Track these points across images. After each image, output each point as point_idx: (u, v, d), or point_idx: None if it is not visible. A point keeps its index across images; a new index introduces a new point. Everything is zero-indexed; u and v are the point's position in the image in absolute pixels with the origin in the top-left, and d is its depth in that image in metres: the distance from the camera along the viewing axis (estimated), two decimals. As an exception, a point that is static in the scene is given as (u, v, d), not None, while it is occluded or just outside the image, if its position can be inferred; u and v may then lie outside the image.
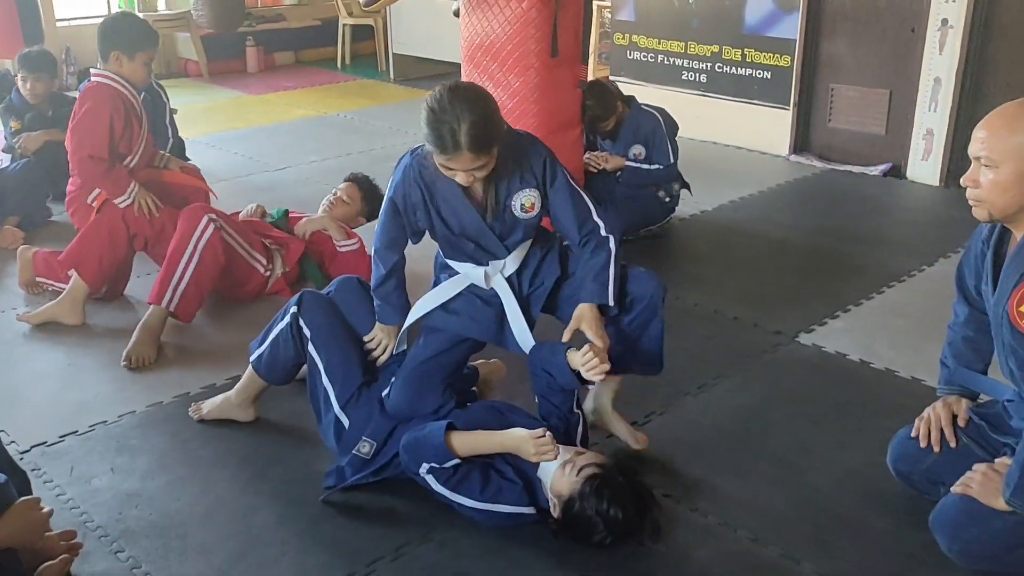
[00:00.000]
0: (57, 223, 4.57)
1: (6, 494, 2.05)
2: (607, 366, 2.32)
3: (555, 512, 2.25)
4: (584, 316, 2.45)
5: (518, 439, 2.28)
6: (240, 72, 8.65)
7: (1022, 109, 2.07)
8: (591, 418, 2.65)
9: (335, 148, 5.97)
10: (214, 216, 3.39)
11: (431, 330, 2.56)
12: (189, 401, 2.92)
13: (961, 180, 2.17)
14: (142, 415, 2.87)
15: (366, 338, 2.64)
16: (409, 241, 2.58)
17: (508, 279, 2.52)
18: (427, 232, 2.55)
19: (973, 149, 2.12)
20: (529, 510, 2.29)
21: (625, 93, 4.43)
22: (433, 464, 2.29)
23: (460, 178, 2.31)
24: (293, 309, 2.63)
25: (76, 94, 5.04)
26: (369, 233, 4.12)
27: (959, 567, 2.16)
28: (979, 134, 2.11)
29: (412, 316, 2.58)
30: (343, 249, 3.80)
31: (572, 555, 2.22)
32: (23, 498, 2.05)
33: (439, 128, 2.22)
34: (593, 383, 2.49)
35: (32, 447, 2.69)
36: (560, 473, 2.25)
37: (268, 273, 3.67)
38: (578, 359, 2.33)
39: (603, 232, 2.48)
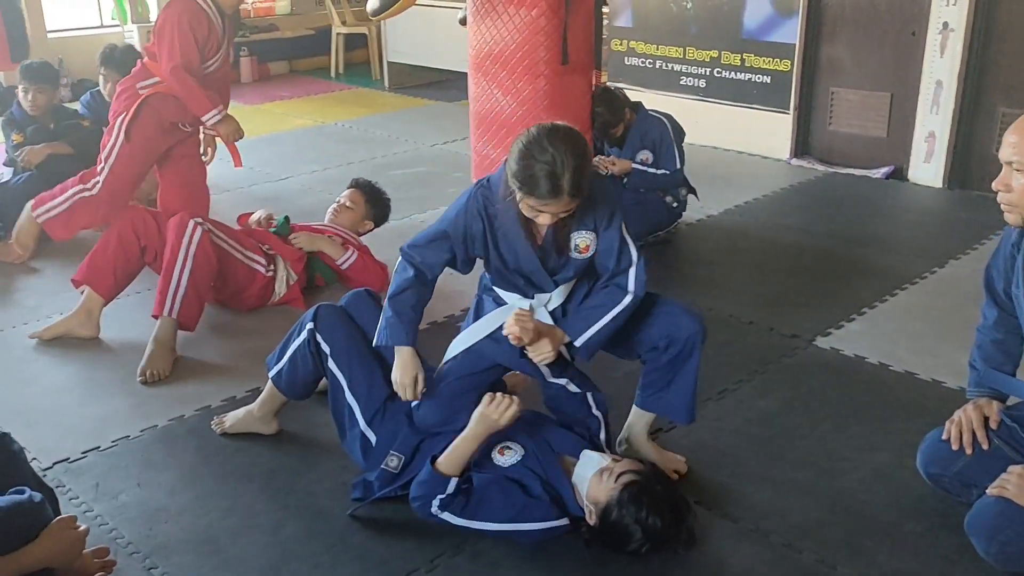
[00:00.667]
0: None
1: (43, 513, 2.03)
2: (549, 353, 2.33)
3: (591, 519, 2.24)
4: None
5: (480, 419, 2.28)
6: (234, 82, 8.56)
7: None
8: (621, 448, 2.64)
9: (335, 157, 5.95)
10: (200, 220, 3.40)
11: (468, 350, 2.54)
12: (211, 414, 2.90)
13: (993, 184, 2.19)
14: (164, 429, 2.85)
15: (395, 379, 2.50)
16: (459, 270, 2.51)
17: (552, 312, 2.50)
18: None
19: (1005, 154, 2.14)
20: (562, 522, 2.28)
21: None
22: (439, 496, 2.27)
23: (544, 219, 2.25)
24: (309, 325, 2.61)
25: (76, 107, 5.06)
26: (375, 240, 4.15)
27: (995, 570, 2.17)
28: (1010, 138, 2.12)
29: (457, 347, 2.54)
30: (344, 264, 3.79)
31: (607, 564, 2.22)
32: (60, 517, 2.03)
33: (537, 171, 2.15)
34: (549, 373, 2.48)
35: (55, 463, 2.67)
36: (597, 480, 2.25)
37: (271, 274, 3.66)
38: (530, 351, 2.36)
39: (630, 287, 2.39)
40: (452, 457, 2.29)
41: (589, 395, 2.51)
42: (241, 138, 4.14)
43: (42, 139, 4.65)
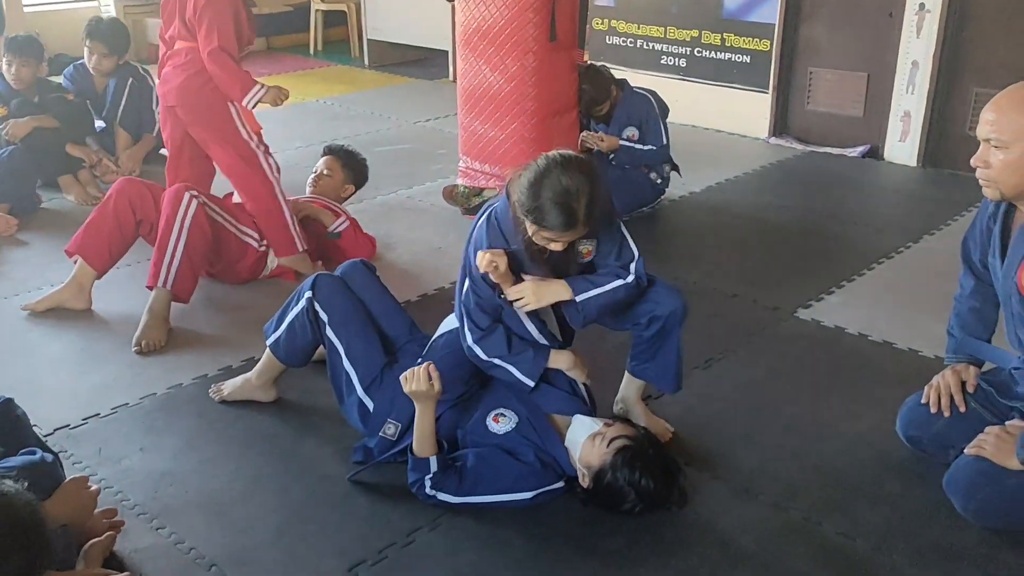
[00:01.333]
0: (47, 210, 4.54)
1: (56, 473, 2.08)
2: (528, 296, 2.39)
3: (584, 482, 2.32)
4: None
5: (413, 398, 2.34)
6: (213, 59, 8.55)
7: None
8: (618, 408, 2.72)
9: (318, 134, 5.96)
10: (195, 193, 3.42)
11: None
12: (208, 383, 2.94)
13: (971, 161, 2.27)
14: (163, 397, 2.90)
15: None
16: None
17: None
18: None
19: (982, 131, 2.21)
20: (557, 486, 2.37)
21: (614, 77, 4.51)
22: (428, 477, 2.33)
23: (557, 247, 2.30)
24: (308, 293, 2.66)
25: (60, 80, 5.04)
26: (363, 216, 4.18)
27: (970, 525, 2.27)
28: (988, 116, 2.20)
29: (451, 323, 2.61)
30: (337, 230, 3.84)
31: (604, 521, 2.30)
32: (72, 477, 2.08)
33: (550, 205, 2.18)
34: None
35: (55, 430, 2.70)
36: (590, 444, 2.33)
37: (263, 249, 3.69)
38: (573, 375, 2.47)
39: (631, 272, 2.46)
40: (419, 439, 2.36)
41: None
42: (287, 97, 3.83)
43: (26, 113, 4.63)
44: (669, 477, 2.32)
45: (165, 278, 3.30)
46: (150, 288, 3.32)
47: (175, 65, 3.62)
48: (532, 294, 2.39)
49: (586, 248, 2.45)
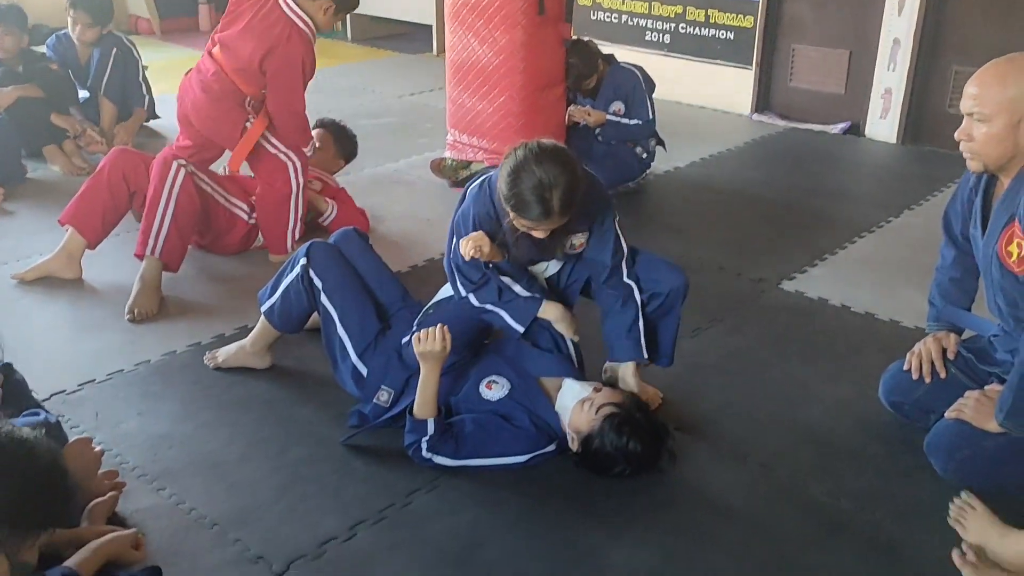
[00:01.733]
0: (33, 180, 4.52)
1: (59, 433, 2.11)
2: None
3: (573, 446, 2.38)
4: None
5: (422, 359, 2.38)
6: (192, 30, 8.50)
7: (1011, 65, 2.22)
8: (606, 375, 2.78)
9: (303, 106, 5.95)
10: (183, 161, 3.42)
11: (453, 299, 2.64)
12: (202, 350, 2.97)
13: (955, 134, 2.32)
14: (158, 364, 2.92)
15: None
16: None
17: (548, 279, 2.62)
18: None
19: (966, 105, 2.27)
20: (550, 448, 2.42)
21: (602, 52, 4.54)
22: (425, 440, 2.38)
23: (538, 234, 2.36)
24: (303, 261, 2.69)
25: (43, 50, 5.00)
26: (352, 190, 4.20)
27: (949, 485, 2.35)
28: (971, 90, 2.25)
29: (445, 292, 2.67)
30: (326, 222, 3.85)
31: (598, 482, 2.36)
32: (77, 438, 2.11)
33: (526, 196, 2.24)
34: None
35: (52, 395, 2.72)
36: (579, 410, 2.38)
37: (253, 222, 3.71)
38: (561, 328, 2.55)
39: (626, 279, 2.55)
40: (420, 400, 2.40)
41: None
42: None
43: (11, 82, 4.59)
44: (657, 441, 2.38)
45: (153, 246, 3.31)
46: (138, 257, 3.33)
47: (201, 80, 3.45)
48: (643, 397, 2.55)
49: (579, 241, 2.52)
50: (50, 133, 4.63)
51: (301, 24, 3.37)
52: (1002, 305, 2.39)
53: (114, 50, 4.96)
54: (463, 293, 2.55)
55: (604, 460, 2.34)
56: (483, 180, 2.49)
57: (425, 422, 2.38)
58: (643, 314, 2.61)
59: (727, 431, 2.61)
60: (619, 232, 2.54)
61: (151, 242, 3.32)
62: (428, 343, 2.37)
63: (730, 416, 2.69)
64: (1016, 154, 2.24)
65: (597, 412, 2.34)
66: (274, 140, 3.54)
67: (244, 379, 2.82)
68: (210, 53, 3.47)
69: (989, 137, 2.23)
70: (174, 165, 3.38)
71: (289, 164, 3.57)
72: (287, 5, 3.34)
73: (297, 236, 3.65)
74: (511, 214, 2.32)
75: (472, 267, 2.52)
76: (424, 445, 2.38)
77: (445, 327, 2.39)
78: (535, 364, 2.55)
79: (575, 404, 2.40)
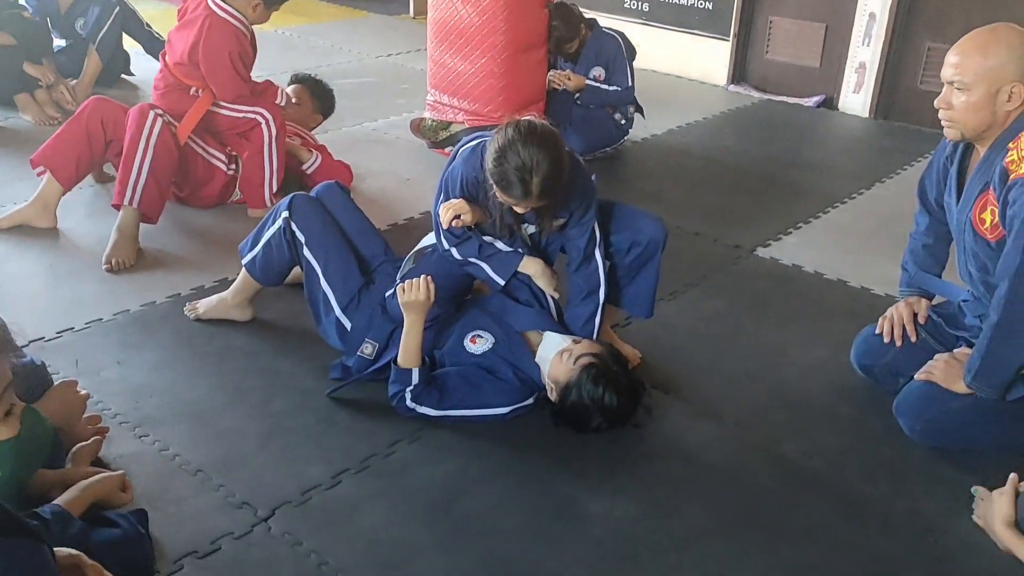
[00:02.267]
0: (4, 129, 4.46)
1: (45, 376, 2.11)
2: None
3: (552, 396, 2.42)
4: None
5: (406, 309, 2.42)
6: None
7: (992, 35, 2.27)
8: None
9: (279, 64, 5.87)
10: (160, 111, 3.40)
11: (438, 255, 2.66)
12: (182, 301, 2.97)
13: (935, 102, 2.37)
14: (137, 314, 2.91)
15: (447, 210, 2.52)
16: None
17: (531, 235, 2.65)
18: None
19: (946, 73, 2.31)
20: (529, 402, 2.46)
21: (584, 16, 4.54)
22: (409, 389, 2.42)
23: (519, 210, 2.40)
24: (284, 214, 2.69)
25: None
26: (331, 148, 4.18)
27: (917, 446, 2.43)
28: (952, 59, 2.30)
29: (427, 241, 2.69)
30: (309, 169, 3.84)
31: (576, 435, 2.41)
32: (62, 380, 2.11)
33: (509, 175, 2.28)
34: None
35: (30, 342, 2.71)
36: (558, 361, 2.42)
37: (232, 173, 3.69)
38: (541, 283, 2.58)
39: (599, 270, 2.57)
40: (404, 350, 2.44)
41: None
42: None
43: (-19, 27, 4.50)
44: (633, 394, 2.42)
45: (131, 196, 3.29)
46: (115, 207, 3.31)
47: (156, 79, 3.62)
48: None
49: (559, 223, 2.54)
50: (22, 82, 4.55)
51: (227, 17, 3.46)
52: (973, 271, 2.45)
53: (116, 9, 4.88)
54: (446, 246, 2.57)
55: (581, 412, 2.38)
56: (477, 144, 2.51)
57: (409, 372, 2.41)
58: (623, 264, 2.65)
59: (703, 390, 2.67)
60: (595, 228, 2.56)
61: (129, 192, 3.29)
62: (412, 293, 2.39)
63: (706, 376, 2.74)
64: (993, 123, 2.29)
65: (575, 362, 2.38)
66: (241, 106, 3.60)
67: (225, 331, 2.82)
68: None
69: (968, 105, 2.28)
70: (151, 114, 3.35)
71: (258, 118, 3.60)
72: (213, 2, 3.45)
73: (275, 189, 3.64)
74: (495, 188, 2.36)
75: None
76: (408, 395, 2.41)
77: (429, 277, 2.42)
78: (518, 318, 2.59)
79: (555, 355, 2.44)
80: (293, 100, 4.02)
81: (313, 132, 4.11)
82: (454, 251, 2.58)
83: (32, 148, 3.52)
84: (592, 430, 2.40)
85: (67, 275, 3.13)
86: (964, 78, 2.26)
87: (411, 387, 2.41)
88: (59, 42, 4.91)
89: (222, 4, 3.46)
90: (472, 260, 2.58)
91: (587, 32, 4.39)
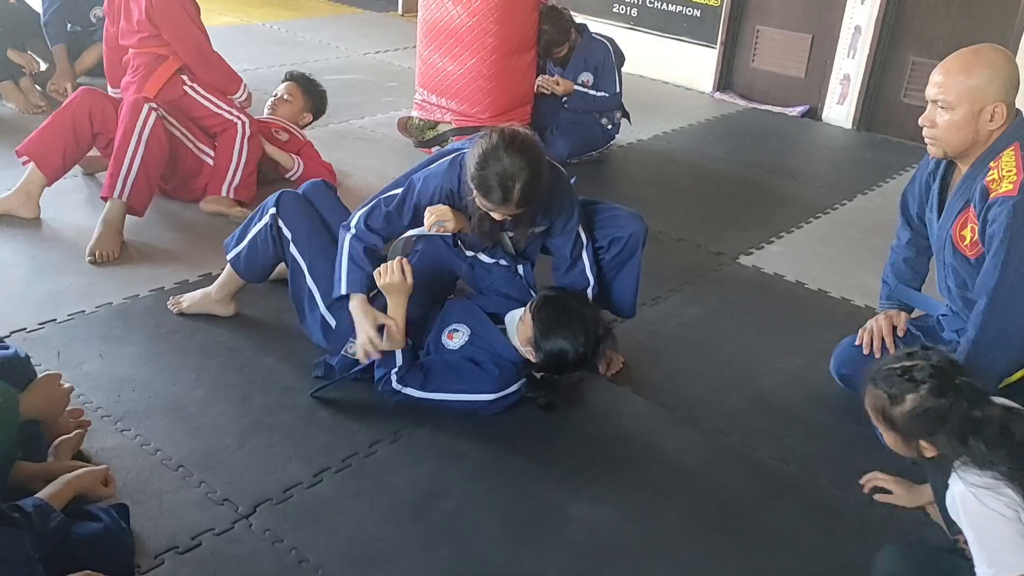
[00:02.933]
0: (-14, 116, 4.43)
1: (29, 368, 2.10)
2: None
3: (535, 358, 2.45)
4: None
5: (386, 291, 2.44)
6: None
7: (976, 55, 2.31)
8: None
9: (266, 58, 5.88)
10: (154, 105, 3.39)
11: (428, 252, 2.68)
12: (165, 296, 2.96)
13: (919, 120, 2.40)
14: (120, 307, 2.90)
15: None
16: None
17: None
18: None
19: (930, 92, 2.35)
20: (513, 389, 2.48)
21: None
22: (394, 372, 2.43)
23: (497, 217, 2.40)
24: (272, 210, 2.69)
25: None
26: (318, 145, 4.17)
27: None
28: (936, 78, 2.33)
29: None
30: (293, 177, 3.85)
31: (559, 439, 2.43)
32: (46, 373, 2.11)
33: (490, 180, 2.28)
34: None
35: (11, 332, 2.70)
36: (522, 325, 2.47)
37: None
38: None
39: (588, 272, 2.60)
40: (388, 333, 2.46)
41: (520, 267, 2.69)
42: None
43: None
44: (589, 312, 2.48)
45: (121, 190, 3.28)
46: (104, 199, 3.29)
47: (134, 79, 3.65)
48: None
49: (538, 230, 2.56)
50: (6, 70, 4.52)
51: None
52: (952, 286, 2.49)
53: None
54: (351, 223, 2.55)
55: (558, 349, 2.39)
56: (456, 157, 2.50)
57: (393, 354, 2.42)
58: (604, 260, 2.68)
59: (683, 395, 2.69)
60: (580, 232, 2.58)
61: (119, 185, 3.28)
62: (388, 276, 2.42)
63: (687, 382, 2.77)
64: (975, 142, 2.33)
65: (532, 312, 2.43)
66: (217, 100, 3.66)
67: (207, 326, 2.82)
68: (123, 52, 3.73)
69: (951, 124, 2.31)
70: (145, 108, 3.34)
71: (235, 120, 3.67)
72: None
73: (236, 184, 3.65)
74: (475, 193, 2.36)
75: (383, 221, 2.54)
76: (394, 376, 2.43)
77: (403, 259, 2.44)
78: (496, 309, 2.61)
79: (518, 323, 2.48)
80: (285, 97, 4.04)
81: (302, 129, 4.11)
82: (345, 235, 2.54)
83: (15, 137, 3.51)
84: (575, 363, 2.42)
85: (50, 267, 3.12)
86: (948, 97, 2.30)
87: (396, 368, 2.42)
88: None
89: None
90: (343, 254, 2.53)
91: (577, 37, 4.41)
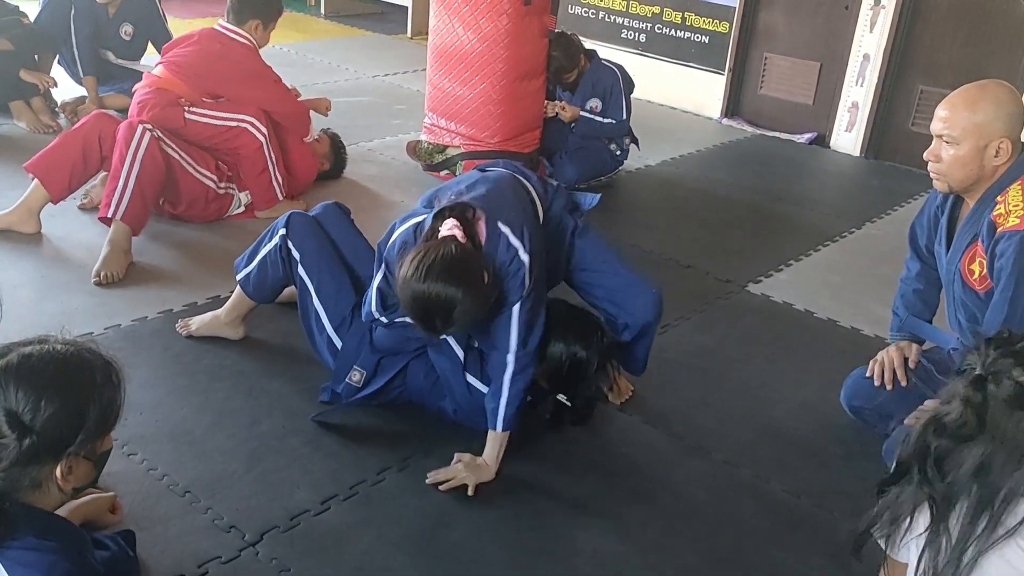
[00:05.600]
0: (-3, 135, 4.44)
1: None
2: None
3: (543, 380, 2.46)
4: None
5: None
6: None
7: (982, 91, 2.32)
8: None
9: (276, 79, 5.90)
10: (150, 127, 3.41)
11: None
12: (173, 318, 2.95)
13: (924, 155, 2.41)
14: (128, 329, 2.89)
15: None
16: None
17: None
18: None
19: (936, 127, 2.36)
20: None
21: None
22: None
23: None
24: (282, 231, 2.69)
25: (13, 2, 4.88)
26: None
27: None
28: (941, 113, 2.34)
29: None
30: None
31: (570, 470, 2.41)
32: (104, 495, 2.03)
33: (414, 310, 2.13)
34: None
35: (18, 354, 2.68)
36: None
37: (223, 192, 3.70)
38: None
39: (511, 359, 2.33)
40: None
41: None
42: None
43: (-22, 33, 4.49)
44: (589, 317, 2.48)
45: (116, 209, 3.28)
46: (101, 219, 3.31)
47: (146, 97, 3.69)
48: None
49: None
50: (17, 88, 4.53)
51: (243, 40, 3.82)
52: (962, 320, 2.48)
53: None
54: (371, 308, 2.46)
55: (558, 363, 2.41)
56: (405, 242, 2.32)
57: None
58: (618, 333, 2.60)
59: (693, 426, 2.67)
60: (515, 324, 2.29)
61: (114, 204, 3.28)
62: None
63: (696, 411, 2.75)
64: (981, 177, 2.33)
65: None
66: (225, 114, 3.71)
67: (216, 349, 2.81)
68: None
69: (956, 159, 2.32)
70: (139, 128, 3.37)
71: (247, 124, 3.71)
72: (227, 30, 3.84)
73: (281, 181, 3.80)
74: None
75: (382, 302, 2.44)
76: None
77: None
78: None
79: None
80: (316, 138, 4.21)
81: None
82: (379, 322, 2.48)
83: (25, 156, 3.51)
84: (583, 375, 2.44)
85: (58, 287, 3.11)
86: (952, 132, 2.31)
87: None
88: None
89: (236, 30, 3.81)
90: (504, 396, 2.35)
91: (586, 63, 4.42)
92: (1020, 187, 2.27)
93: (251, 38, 3.82)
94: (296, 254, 2.68)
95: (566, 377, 2.47)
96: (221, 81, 3.73)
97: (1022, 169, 2.30)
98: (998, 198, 2.29)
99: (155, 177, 3.38)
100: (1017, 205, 2.26)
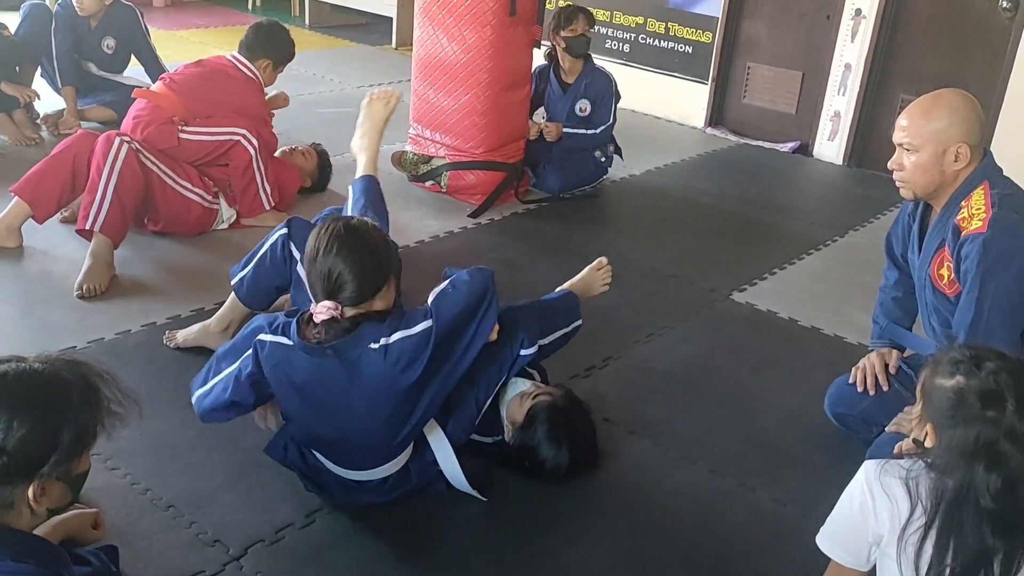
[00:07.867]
0: (-21, 148, 4.42)
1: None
2: None
3: (508, 437, 2.43)
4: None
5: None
6: (146, 5, 8.29)
7: (936, 100, 2.39)
8: None
9: (260, 91, 5.89)
10: (127, 138, 3.41)
11: None
12: (157, 331, 2.94)
13: (888, 164, 2.47)
14: (111, 342, 2.88)
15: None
16: None
17: None
18: None
19: (897, 136, 2.43)
20: (488, 440, 2.45)
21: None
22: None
23: None
24: (283, 230, 2.69)
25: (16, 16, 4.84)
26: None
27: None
28: (901, 122, 2.42)
29: None
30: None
31: (547, 498, 2.37)
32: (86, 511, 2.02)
33: (315, 282, 2.09)
34: None
35: (0, 369, 2.66)
36: (517, 403, 2.43)
37: (211, 206, 3.69)
38: None
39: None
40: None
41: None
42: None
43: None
44: (585, 433, 2.44)
45: (94, 220, 3.27)
46: (80, 232, 3.30)
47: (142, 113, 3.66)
48: None
49: None
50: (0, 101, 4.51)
51: (251, 75, 3.89)
52: (936, 325, 2.51)
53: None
54: None
55: (531, 450, 2.36)
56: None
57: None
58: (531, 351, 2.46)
59: (679, 435, 2.68)
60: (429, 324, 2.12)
61: (92, 216, 3.27)
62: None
63: (681, 420, 2.75)
64: (943, 183, 2.39)
65: (533, 400, 2.40)
66: (218, 128, 3.70)
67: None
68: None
69: (916, 166, 2.38)
70: (116, 140, 3.35)
71: (239, 137, 3.71)
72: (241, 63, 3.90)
73: (270, 192, 3.80)
74: None
75: None
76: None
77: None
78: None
79: (515, 397, 2.45)
80: (303, 153, 4.22)
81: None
82: None
83: (7, 170, 3.51)
84: (549, 471, 2.36)
85: (40, 301, 3.09)
86: (912, 140, 2.38)
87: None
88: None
89: (246, 63, 3.87)
90: None
91: (585, 64, 4.49)
92: (983, 191, 2.34)
93: (259, 75, 3.89)
94: (297, 254, 2.67)
95: (532, 465, 2.40)
96: (213, 106, 3.74)
97: (986, 174, 2.37)
98: (962, 203, 2.36)
99: (133, 188, 3.36)
100: (980, 208, 2.33)
